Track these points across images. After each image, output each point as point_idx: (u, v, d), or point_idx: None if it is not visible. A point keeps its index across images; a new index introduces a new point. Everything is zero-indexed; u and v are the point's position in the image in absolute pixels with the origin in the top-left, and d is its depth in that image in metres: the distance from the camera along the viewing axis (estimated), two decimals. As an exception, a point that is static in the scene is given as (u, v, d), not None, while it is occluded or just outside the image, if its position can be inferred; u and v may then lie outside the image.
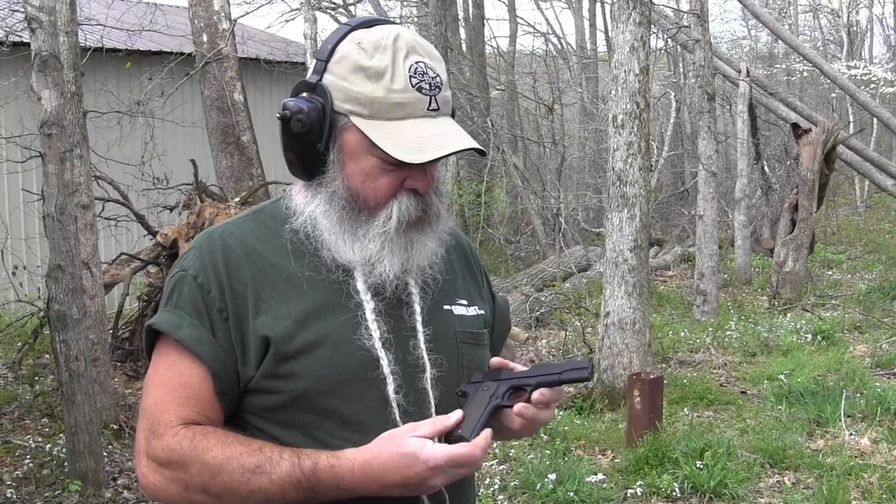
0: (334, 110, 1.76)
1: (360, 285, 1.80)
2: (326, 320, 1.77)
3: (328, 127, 1.77)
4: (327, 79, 1.77)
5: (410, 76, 1.73)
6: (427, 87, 1.75)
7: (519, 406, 1.77)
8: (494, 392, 1.79)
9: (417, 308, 1.85)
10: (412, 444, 1.66)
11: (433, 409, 1.81)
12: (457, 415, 1.73)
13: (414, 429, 1.69)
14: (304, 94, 1.79)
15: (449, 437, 1.72)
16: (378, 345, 1.78)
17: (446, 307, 1.91)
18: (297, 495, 1.67)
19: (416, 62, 1.75)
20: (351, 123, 1.76)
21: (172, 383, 1.74)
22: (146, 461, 1.73)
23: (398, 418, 1.77)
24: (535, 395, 1.78)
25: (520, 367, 1.87)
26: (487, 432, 1.71)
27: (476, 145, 1.77)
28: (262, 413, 1.77)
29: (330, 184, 1.79)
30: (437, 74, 1.77)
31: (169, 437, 1.71)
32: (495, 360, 1.89)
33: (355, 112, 1.75)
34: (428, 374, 1.82)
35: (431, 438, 1.67)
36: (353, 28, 1.80)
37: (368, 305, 1.79)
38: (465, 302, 1.95)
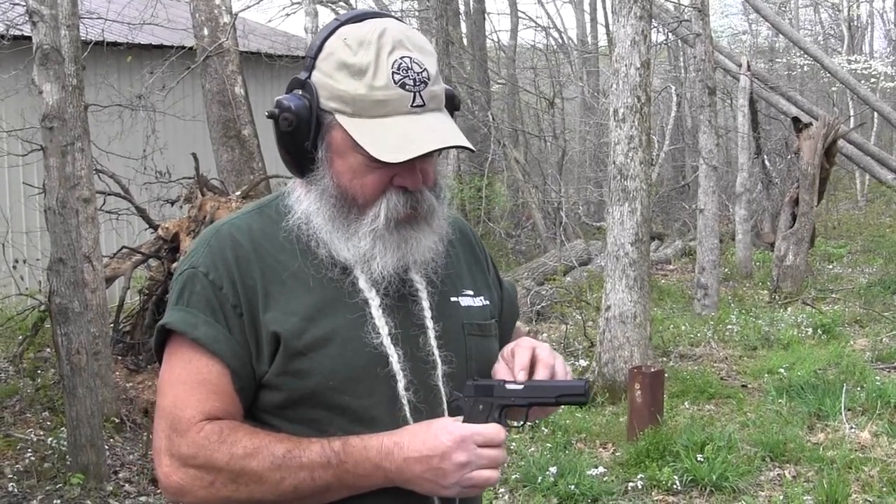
0: (320, 108, 1.75)
1: (363, 283, 1.79)
2: (334, 317, 1.76)
3: (315, 125, 1.75)
4: (315, 76, 1.76)
5: (393, 72, 1.70)
6: (411, 82, 1.71)
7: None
8: (490, 413, 1.76)
9: (426, 304, 1.84)
10: (444, 419, 1.73)
11: (444, 406, 1.81)
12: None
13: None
14: (294, 92, 1.78)
15: None
16: (387, 341, 1.77)
17: (453, 299, 1.90)
18: (326, 475, 1.68)
19: (401, 57, 1.71)
20: (336, 121, 1.74)
21: (191, 381, 1.73)
22: (168, 460, 1.72)
23: (408, 415, 1.77)
24: (531, 414, 1.81)
25: (522, 360, 1.82)
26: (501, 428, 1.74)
27: (459, 142, 1.74)
28: (273, 410, 1.77)
29: (320, 181, 1.78)
30: (424, 69, 1.73)
31: (194, 432, 1.70)
32: (500, 368, 1.85)
33: (339, 110, 1.74)
34: (439, 372, 1.82)
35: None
36: (343, 23, 1.77)
37: (374, 302, 1.78)
38: (471, 292, 1.94)
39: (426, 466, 1.67)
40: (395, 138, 1.70)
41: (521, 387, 1.78)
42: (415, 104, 1.72)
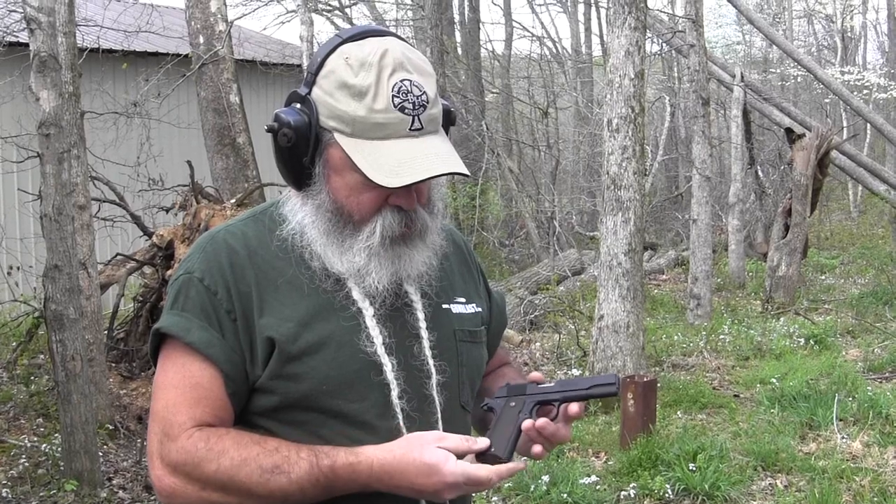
0: (320, 125, 1.77)
1: (357, 294, 1.81)
2: (329, 322, 1.78)
3: (314, 141, 1.78)
4: (315, 92, 1.78)
5: (393, 95, 1.72)
6: (410, 106, 1.73)
7: (541, 421, 1.78)
8: (522, 408, 1.79)
9: (420, 315, 1.87)
10: (437, 454, 1.68)
11: (439, 415, 1.84)
12: (485, 441, 1.75)
13: (440, 439, 1.71)
14: (294, 106, 1.80)
15: (482, 455, 1.73)
16: (381, 350, 1.79)
17: (445, 306, 1.92)
18: (316, 492, 1.70)
19: (402, 80, 1.73)
20: (335, 140, 1.76)
21: (183, 385, 1.75)
22: (160, 464, 1.74)
23: (402, 423, 1.79)
24: (562, 410, 1.81)
25: (541, 379, 1.90)
26: (515, 468, 1.74)
27: (455, 169, 1.77)
28: (267, 413, 1.79)
29: (316, 196, 1.80)
30: (424, 92, 1.75)
31: (183, 439, 1.72)
32: (534, 374, 1.92)
33: (339, 129, 1.75)
34: (434, 381, 1.84)
35: (456, 455, 1.70)
36: (344, 41, 1.78)
37: (367, 311, 1.81)
38: (462, 300, 1.97)
39: (415, 494, 1.72)
40: (393, 162, 1.72)
41: (552, 384, 1.84)
42: (413, 128, 1.74)
